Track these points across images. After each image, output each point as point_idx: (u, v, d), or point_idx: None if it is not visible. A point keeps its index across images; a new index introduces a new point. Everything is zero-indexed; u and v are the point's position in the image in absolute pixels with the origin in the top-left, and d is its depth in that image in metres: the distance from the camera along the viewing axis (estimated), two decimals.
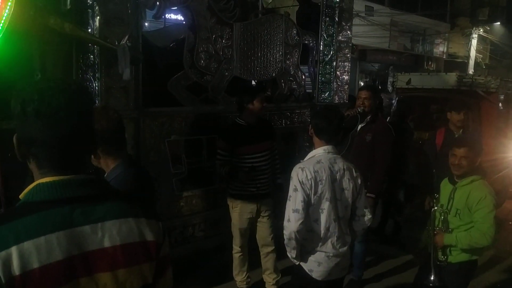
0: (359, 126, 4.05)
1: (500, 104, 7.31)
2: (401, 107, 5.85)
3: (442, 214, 3.06)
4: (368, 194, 3.77)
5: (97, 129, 1.72)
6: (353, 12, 14.19)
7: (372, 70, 18.86)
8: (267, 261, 3.91)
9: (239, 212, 3.75)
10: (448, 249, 3.02)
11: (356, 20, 15.07)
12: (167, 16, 9.88)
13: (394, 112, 5.75)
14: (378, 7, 16.99)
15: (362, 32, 15.74)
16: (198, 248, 4.24)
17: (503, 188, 7.30)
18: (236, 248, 3.89)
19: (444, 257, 3.05)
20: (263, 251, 3.90)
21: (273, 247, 3.84)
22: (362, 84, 16.99)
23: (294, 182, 2.51)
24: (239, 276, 3.96)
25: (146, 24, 6.41)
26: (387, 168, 4.02)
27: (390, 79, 8.66)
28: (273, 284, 3.94)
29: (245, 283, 3.98)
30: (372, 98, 4.00)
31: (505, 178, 7.07)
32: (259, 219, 3.80)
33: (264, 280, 4.00)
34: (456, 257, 3.01)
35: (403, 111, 5.72)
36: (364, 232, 3.89)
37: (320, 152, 2.60)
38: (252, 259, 4.03)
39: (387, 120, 5.52)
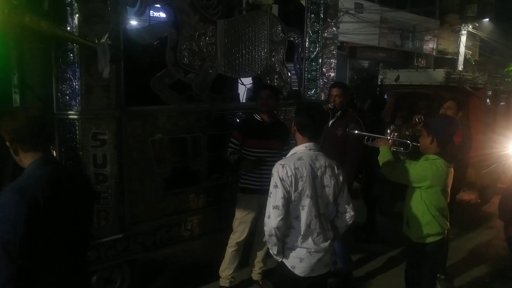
0: (330, 122, 4.11)
1: (488, 100, 7.34)
2: (374, 102, 5.91)
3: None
4: None
5: (15, 127, 1.94)
6: (343, 9, 14.23)
7: (362, 68, 18.88)
8: (259, 250, 4.00)
9: (243, 205, 3.85)
10: (406, 221, 3.27)
11: (346, 18, 15.15)
12: (156, 14, 9.81)
13: (368, 107, 5.82)
14: (367, 4, 17.02)
15: (352, 30, 15.77)
16: (184, 248, 4.21)
17: (491, 183, 7.36)
18: (232, 242, 3.91)
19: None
20: (258, 239, 3.97)
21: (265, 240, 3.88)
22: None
23: (274, 179, 2.53)
24: (225, 272, 3.95)
25: (134, 22, 6.37)
26: (358, 160, 4.15)
27: (380, 76, 8.66)
28: (258, 273, 4.09)
29: (228, 281, 3.97)
30: (342, 95, 4.11)
31: (493, 173, 7.12)
32: (262, 212, 3.81)
33: (251, 268, 4.11)
34: (412, 231, 3.22)
35: (377, 106, 5.79)
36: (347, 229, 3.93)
37: (301, 149, 2.62)
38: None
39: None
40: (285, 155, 3.90)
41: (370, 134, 3.66)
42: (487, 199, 7.36)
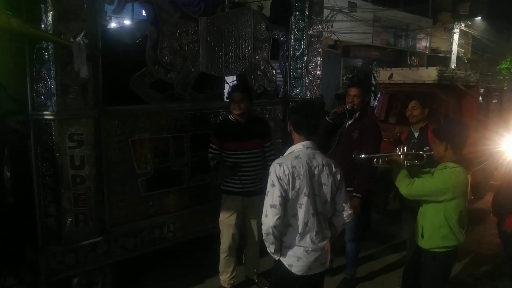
0: (347, 123, 3.94)
1: (480, 98, 7.31)
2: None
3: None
4: (354, 194, 3.72)
5: None
6: (336, 8, 14.12)
7: (356, 66, 18.84)
8: (253, 251, 3.98)
9: (226, 207, 3.80)
10: (421, 232, 3.04)
11: (339, 16, 15.09)
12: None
13: None
14: (361, 3, 16.98)
15: (345, 28, 15.72)
16: (167, 249, 4.12)
17: (483, 180, 7.32)
18: (223, 248, 3.86)
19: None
20: (250, 241, 3.95)
21: (257, 240, 3.87)
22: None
23: (271, 178, 2.54)
24: (223, 276, 3.95)
25: (124, 21, 6.27)
26: (374, 167, 3.91)
27: (374, 75, 8.62)
28: (254, 272, 4.06)
29: (227, 283, 3.94)
30: (361, 96, 3.90)
31: (485, 170, 7.08)
32: (246, 216, 3.84)
33: (245, 267, 4.11)
34: (427, 242, 3.01)
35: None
36: (354, 229, 3.98)
37: (299, 148, 2.63)
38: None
39: None
40: (268, 151, 3.84)
41: (380, 154, 3.34)
42: (480, 195, 7.33)
